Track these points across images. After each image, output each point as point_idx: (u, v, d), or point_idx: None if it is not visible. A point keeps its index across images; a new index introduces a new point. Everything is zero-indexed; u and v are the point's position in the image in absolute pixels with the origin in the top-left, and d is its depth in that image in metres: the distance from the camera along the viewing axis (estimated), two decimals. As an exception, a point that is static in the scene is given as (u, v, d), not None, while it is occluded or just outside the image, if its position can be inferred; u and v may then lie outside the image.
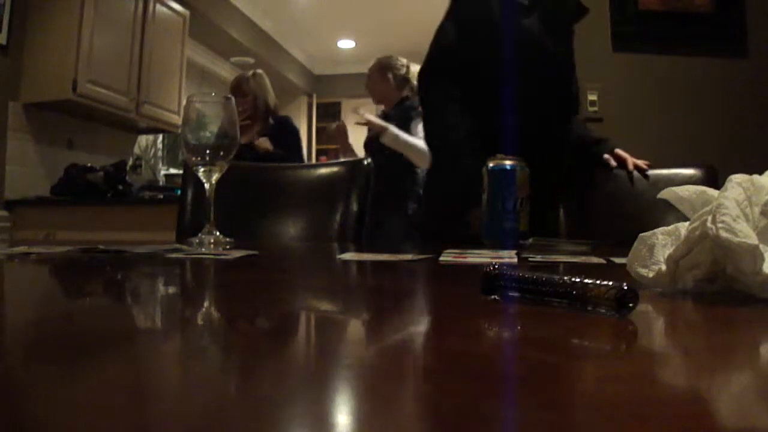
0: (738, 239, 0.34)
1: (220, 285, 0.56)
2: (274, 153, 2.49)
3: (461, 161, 1.28)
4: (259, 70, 2.84)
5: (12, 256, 0.75)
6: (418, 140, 2.23)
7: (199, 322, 0.35)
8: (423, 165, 2.18)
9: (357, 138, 2.80)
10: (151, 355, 0.26)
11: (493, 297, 0.37)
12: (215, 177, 0.89)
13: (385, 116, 2.51)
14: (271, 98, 2.78)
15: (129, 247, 0.81)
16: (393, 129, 2.30)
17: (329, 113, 6.67)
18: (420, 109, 1.76)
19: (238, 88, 2.72)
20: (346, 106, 6.29)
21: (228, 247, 0.85)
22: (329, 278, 0.63)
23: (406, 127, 2.36)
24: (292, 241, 1.34)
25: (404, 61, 2.59)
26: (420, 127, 2.12)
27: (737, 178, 0.39)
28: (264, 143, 2.54)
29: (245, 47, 4.80)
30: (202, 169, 0.89)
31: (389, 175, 2.20)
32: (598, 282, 0.31)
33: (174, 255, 0.74)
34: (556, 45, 1.35)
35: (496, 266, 0.37)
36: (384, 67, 2.59)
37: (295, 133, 2.83)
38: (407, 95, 2.53)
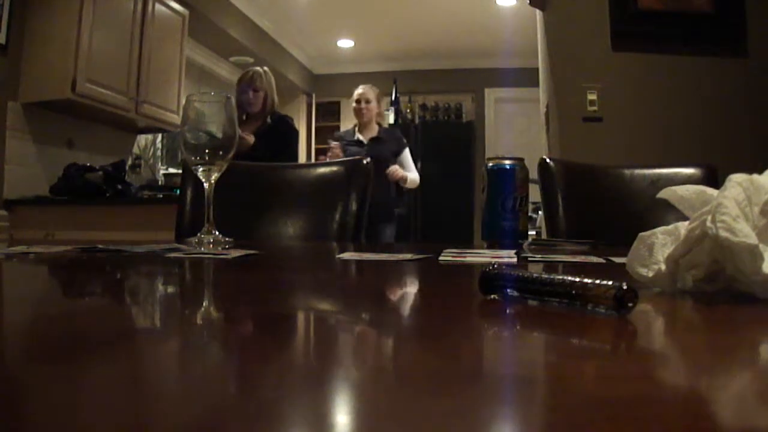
0: (737, 239, 0.34)
1: (219, 284, 0.56)
2: (260, 151, 2.46)
3: None
4: (265, 68, 2.87)
5: (11, 255, 0.75)
6: (415, 175, 2.96)
7: (198, 321, 0.35)
8: (412, 187, 2.99)
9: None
10: (150, 355, 0.26)
11: (492, 296, 0.37)
12: (214, 176, 0.89)
13: (376, 139, 2.91)
14: (276, 97, 2.80)
15: (128, 246, 0.81)
16: (411, 175, 2.95)
17: (329, 113, 6.67)
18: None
19: (252, 81, 2.71)
20: (346, 105, 6.29)
21: (227, 246, 0.85)
22: (328, 278, 0.63)
23: (400, 153, 2.93)
24: (292, 240, 1.34)
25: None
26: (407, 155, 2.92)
27: (737, 178, 0.39)
28: (247, 137, 2.54)
29: (245, 47, 4.80)
30: (201, 169, 0.89)
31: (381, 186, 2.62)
32: (597, 281, 0.31)
33: (173, 255, 0.74)
34: None
35: (496, 266, 0.37)
36: (380, 94, 3.05)
37: (295, 135, 2.87)
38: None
